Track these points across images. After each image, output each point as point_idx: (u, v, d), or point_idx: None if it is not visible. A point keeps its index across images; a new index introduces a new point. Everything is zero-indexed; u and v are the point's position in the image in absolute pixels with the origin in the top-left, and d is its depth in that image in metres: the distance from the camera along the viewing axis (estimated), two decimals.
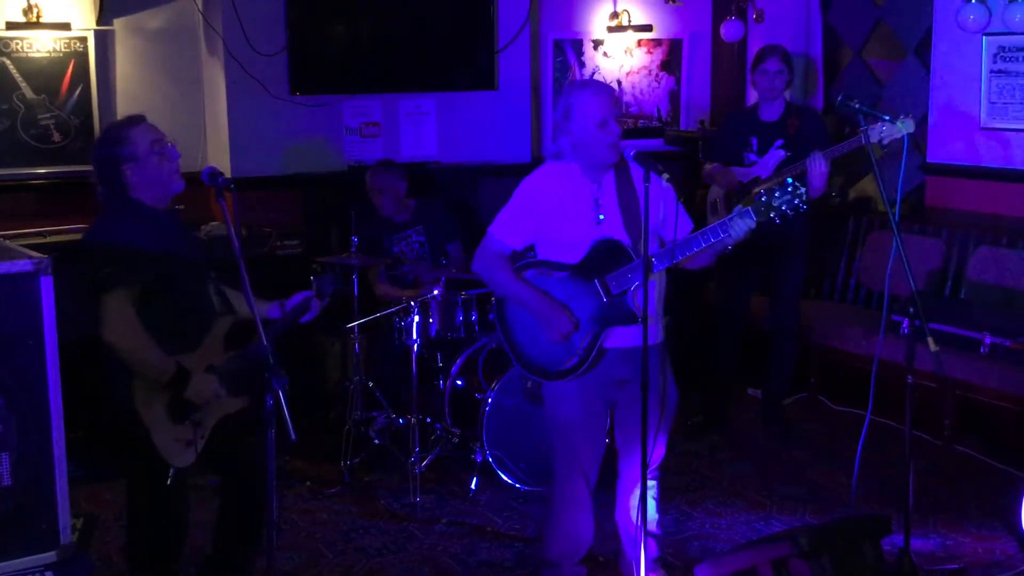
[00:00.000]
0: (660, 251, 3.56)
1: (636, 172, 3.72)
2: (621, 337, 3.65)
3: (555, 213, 3.64)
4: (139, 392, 3.33)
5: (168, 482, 3.38)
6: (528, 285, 3.68)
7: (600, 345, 3.63)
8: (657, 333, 3.72)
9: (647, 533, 3.60)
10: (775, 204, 3.44)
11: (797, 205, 3.42)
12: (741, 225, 3.47)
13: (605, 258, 3.61)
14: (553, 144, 3.74)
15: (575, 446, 3.76)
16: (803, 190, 3.43)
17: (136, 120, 3.44)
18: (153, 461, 3.36)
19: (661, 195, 3.68)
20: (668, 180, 3.43)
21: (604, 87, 3.69)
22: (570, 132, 3.61)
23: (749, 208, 3.48)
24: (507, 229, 3.73)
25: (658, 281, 3.67)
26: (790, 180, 3.46)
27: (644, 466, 3.50)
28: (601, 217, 3.64)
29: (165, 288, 3.37)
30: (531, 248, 3.79)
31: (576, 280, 3.63)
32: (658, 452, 3.82)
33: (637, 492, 3.78)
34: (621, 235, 3.63)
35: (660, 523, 3.97)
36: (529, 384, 4.86)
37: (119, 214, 3.38)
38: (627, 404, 3.76)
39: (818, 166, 4.89)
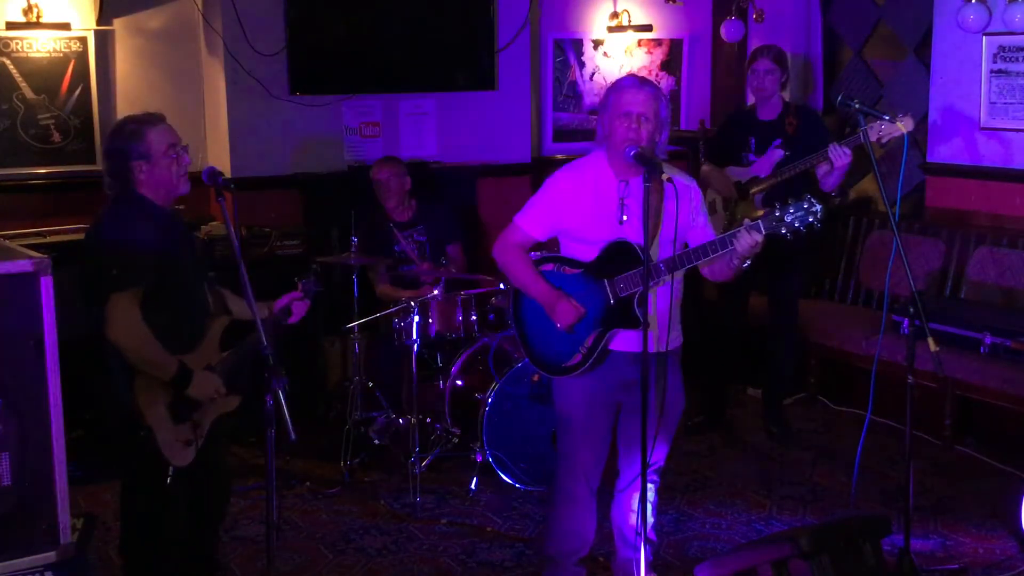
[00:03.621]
0: (667, 259, 3.54)
1: (669, 179, 3.63)
2: (631, 340, 3.61)
3: (581, 209, 3.62)
4: (141, 392, 3.33)
5: (168, 481, 3.38)
6: (539, 277, 3.68)
7: (604, 346, 3.62)
8: (675, 339, 3.74)
9: (643, 537, 3.59)
10: (788, 220, 3.34)
11: (811, 223, 3.32)
12: (747, 239, 3.39)
13: (617, 259, 3.59)
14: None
15: (576, 444, 3.76)
16: (818, 208, 3.32)
17: (155, 120, 3.43)
18: (153, 461, 3.36)
19: (689, 200, 3.63)
20: (668, 180, 3.42)
21: (646, 84, 3.59)
22: (604, 115, 3.60)
23: (759, 221, 3.39)
24: (533, 220, 3.71)
25: (673, 287, 3.63)
26: (808, 196, 3.35)
27: (644, 466, 3.50)
28: (624, 218, 3.61)
29: (167, 288, 3.38)
30: (555, 240, 3.79)
31: (588, 279, 3.63)
32: (658, 456, 3.80)
33: (635, 496, 3.78)
34: (639, 238, 3.55)
35: (655, 527, 3.96)
36: (536, 377, 4.87)
37: (125, 212, 3.38)
38: (632, 408, 3.74)
39: (842, 156, 4.87)
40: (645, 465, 3.49)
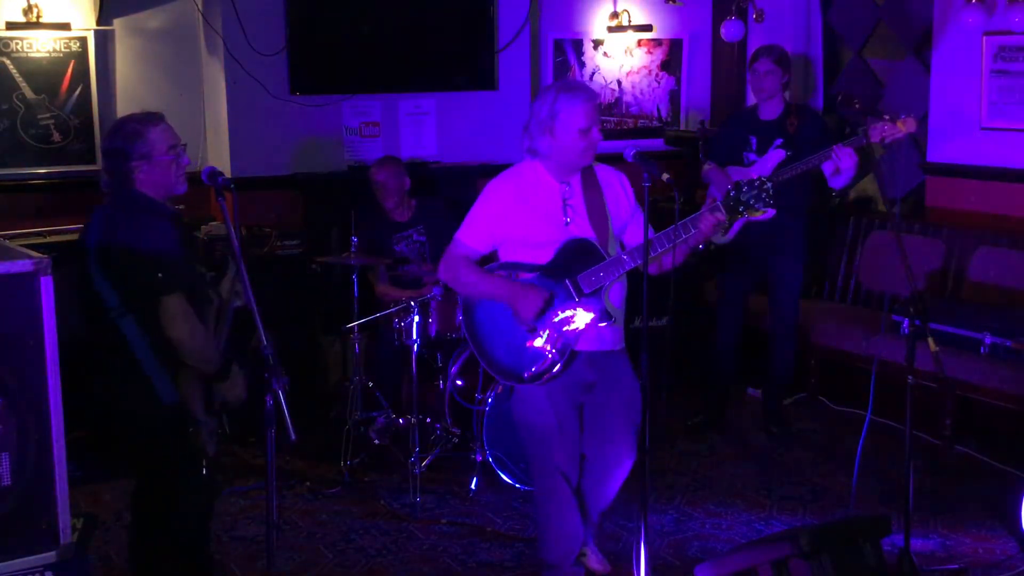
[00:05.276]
0: (636, 247, 3.58)
1: (602, 174, 3.75)
2: (593, 340, 3.68)
3: (524, 214, 3.66)
4: (186, 387, 3.33)
5: (203, 473, 3.38)
6: (494, 278, 3.68)
7: (573, 347, 3.65)
8: (620, 339, 3.75)
9: (643, 536, 3.60)
10: (743, 198, 3.53)
11: (764, 199, 3.53)
12: (710, 219, 3.53)
13: (575, 258, 3.63)
14: (526, 139, 3.70)
15: (550, 450, 3.78)
16: (769, 185, 3.54)
17: (155, 119, 3.42)
18: (192, 455, 3.37)
19: (625, 196, 3.77)
20: (668, 179, 3.44)
21: (591, 94, 3.68)
22: (554, 134, 3.61)
23: (719, 203, 3.56)
24: (474, 233, 3.72)
25: (620, 285, 3.72)
26: (756, 176, 3.60)
27: (644, 465, 3.50)
28: (568, 220, 3.67)
29: (192, 285, 3.38)
30: (495, 253, 3.80)
31: (545, 281, 3.64)
32: (629, 454, 3.87)
33: (604, 485, 3.88)
34: (589, 236, 3.66)
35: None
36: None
37: (142, 214, 3.35)
38: (595, 407, 3.80)
39: (847, 158, 4.88)
40: (645, 462, 3.49)
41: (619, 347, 3.78)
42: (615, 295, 3.70)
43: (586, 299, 3.62)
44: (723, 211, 3.53)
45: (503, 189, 3.71)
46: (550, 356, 3.64)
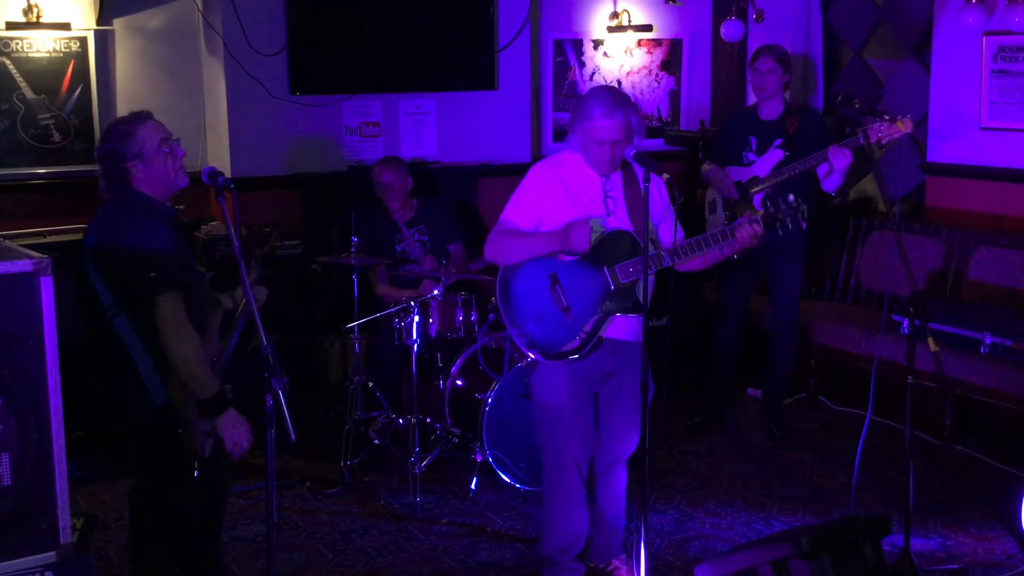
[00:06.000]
0: (670, 247, 3.65)
1: (640, 172, 3.78)
2: (621, 329, 3.74)
3: (566, 200, 3.72)
4: (177, 389, 3.33)
5: (196, 474, 3.38)
6: (540, 234, 3.72)
7: (602, 331, 3.71)
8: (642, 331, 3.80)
9: (643, 536, 3.60)
10: (780, 216, 3.70)
11: (799, 220, 3.71)
12: (748, 229, 3.64)
13: (615, 248, 3.69)
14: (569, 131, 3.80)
15: (563, 436, 3.82)
16: (805, 208, 3.71)
17: (143, 117, 3.42)
18: (184, 456, 3.36)
19: (660, 197, 3.81)
20: (667, 179, 3.46)
21: (616, 110, 3.62)
22: (575, 135, 3.70)
23: (759, 216, 3.69)
24: (518, 212, 3.77)
25: (651, 279, 3.74)
26: (792, 197, 3.72)
27: (644, 465, 3.51)
28: (610, 211, 3.73)
29: (188, 286, 3.37)
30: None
31: (584, 266, 3.71)
32: (631, 445, 3.91)
33: (608, 479, 3.93)
34: (628, 229, 3.72)
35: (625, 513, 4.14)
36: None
37: (138, 214, 3.35)
38: (608, 397, 3.85)
39: (842, 158, 4.90)
40: (645, 458, 3.50)
41: (640, 339, 3.80)
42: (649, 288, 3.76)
43: (621, 288, 3.68)
44: (761, 224, 3.66)
45: (547, 172, 3.77)
46: (580, 338, 3.70)
